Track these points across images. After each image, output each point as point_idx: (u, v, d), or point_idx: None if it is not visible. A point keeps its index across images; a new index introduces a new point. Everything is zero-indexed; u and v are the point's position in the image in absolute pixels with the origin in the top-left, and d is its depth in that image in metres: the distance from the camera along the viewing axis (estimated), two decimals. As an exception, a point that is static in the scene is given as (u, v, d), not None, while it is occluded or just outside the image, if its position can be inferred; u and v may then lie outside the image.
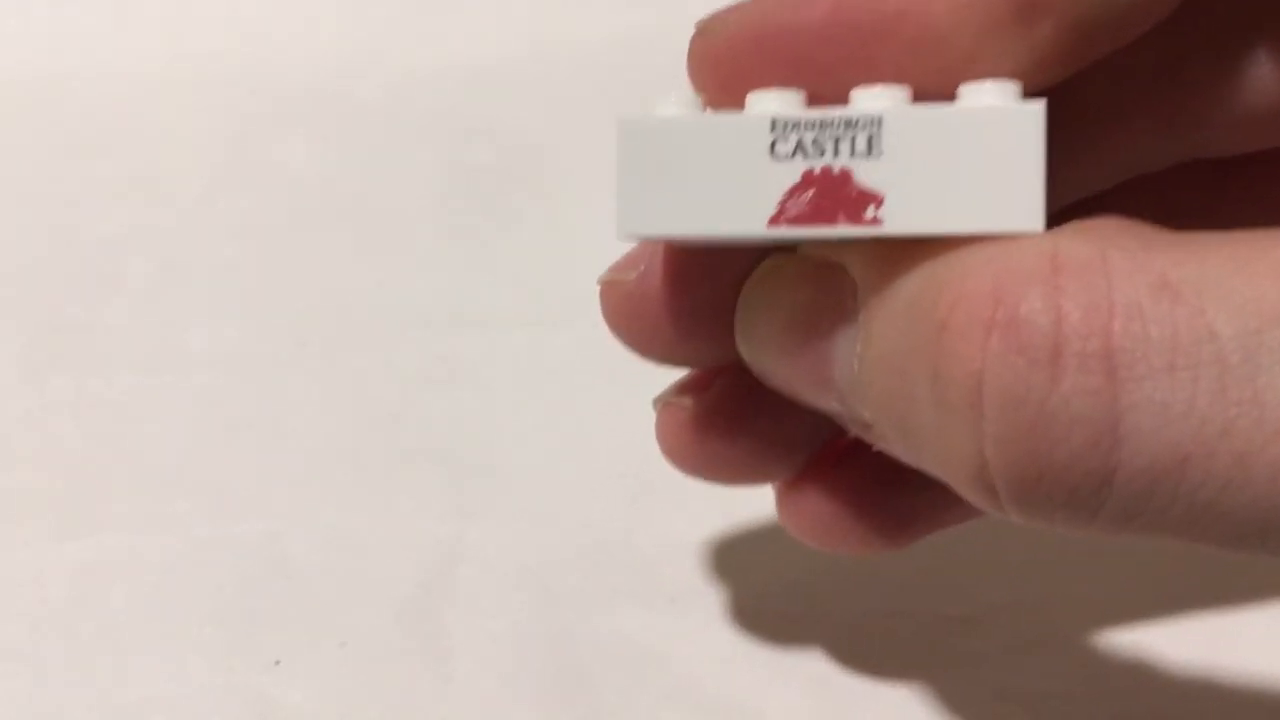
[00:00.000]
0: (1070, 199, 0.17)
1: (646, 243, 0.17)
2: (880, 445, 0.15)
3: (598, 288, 0.18)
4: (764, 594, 0.23)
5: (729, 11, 0.15)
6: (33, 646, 0.23)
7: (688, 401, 0.18)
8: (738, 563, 0.24)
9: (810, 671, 0.22)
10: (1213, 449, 0.11)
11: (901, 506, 0.19)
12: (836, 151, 0.13)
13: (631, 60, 0.33)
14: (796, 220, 0.14)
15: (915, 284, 0.13)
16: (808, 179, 0.13)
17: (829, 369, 0.15)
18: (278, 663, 0.22)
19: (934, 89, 0.14)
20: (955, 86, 0.13)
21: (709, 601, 0.23)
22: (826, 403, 0.16)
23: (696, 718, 0.22)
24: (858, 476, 0.19)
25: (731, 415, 0.18)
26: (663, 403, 0.19)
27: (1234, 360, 0.11)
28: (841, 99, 0.14)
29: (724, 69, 0.15)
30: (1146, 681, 0.22)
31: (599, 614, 0.23)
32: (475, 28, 0.35)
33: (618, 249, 0.30)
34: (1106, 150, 0.17)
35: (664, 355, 0.18)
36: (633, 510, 0.25)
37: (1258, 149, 0.16)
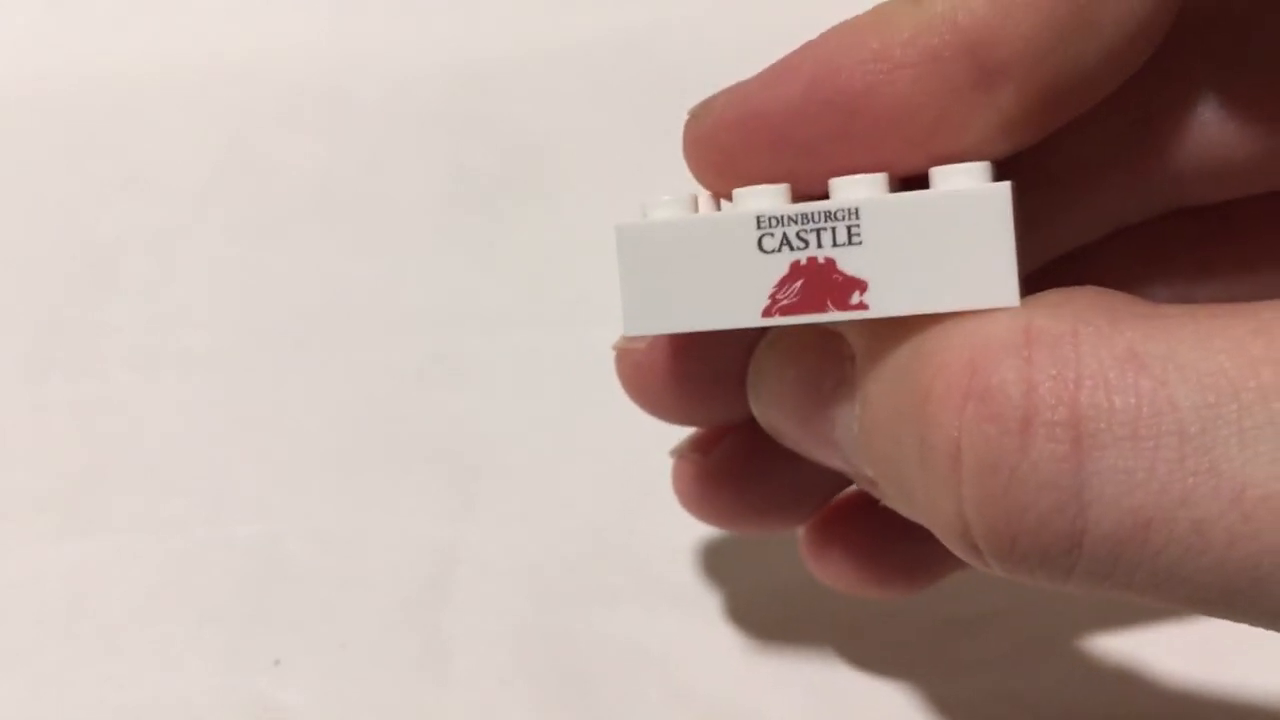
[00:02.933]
0: (1056, 253, 0.18)
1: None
2: (885, 501, 0.16)
3: (612, 351, 0.19)
4: (764, 595, 0.23)
5: (715, 96, 0.16)
6: (33, 646, 0.23)
7: (698, 456, 0.20)
8: (738, 563, 0.24)
9: (810, 673, 0.22)
10: (1172, 515, 0.12)
11: (919, 553, 0.19)
12: (820, 242, 0.14)
13: (631, 60, 0.33)
14: (788, 310, 0.14)
15: (904, 355, 0.14)
16: (795, 270, 0.14)
17: (832, 431, 0.16)
18: (278, 663, 0.22)
19: (909, 161, 0.14)
20: (929, 156, 0.14)
21: (709, 601, 0.23)
22: (833, 461, 0.17)
23: (696, 718, 0.22)
24: (874, 526, 0.19)
25: (740, 470, 0.19)
26: (677, 455, 0.20)
27: (1192, 431, 0.12)
28: (824, 179, 0.15)
29: (713, 153, 0.16)
30: (1146, 684, 0.22)
31: (599, 614, 0.23)
32: (475, 28, 0.35)
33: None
34: (1085, 206, 0.17)
35: (674, 417, 0.19)
36: (633, 510, 0.25)
37: (1236, 196, 0.17)
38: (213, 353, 0.28)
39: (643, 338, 0.18)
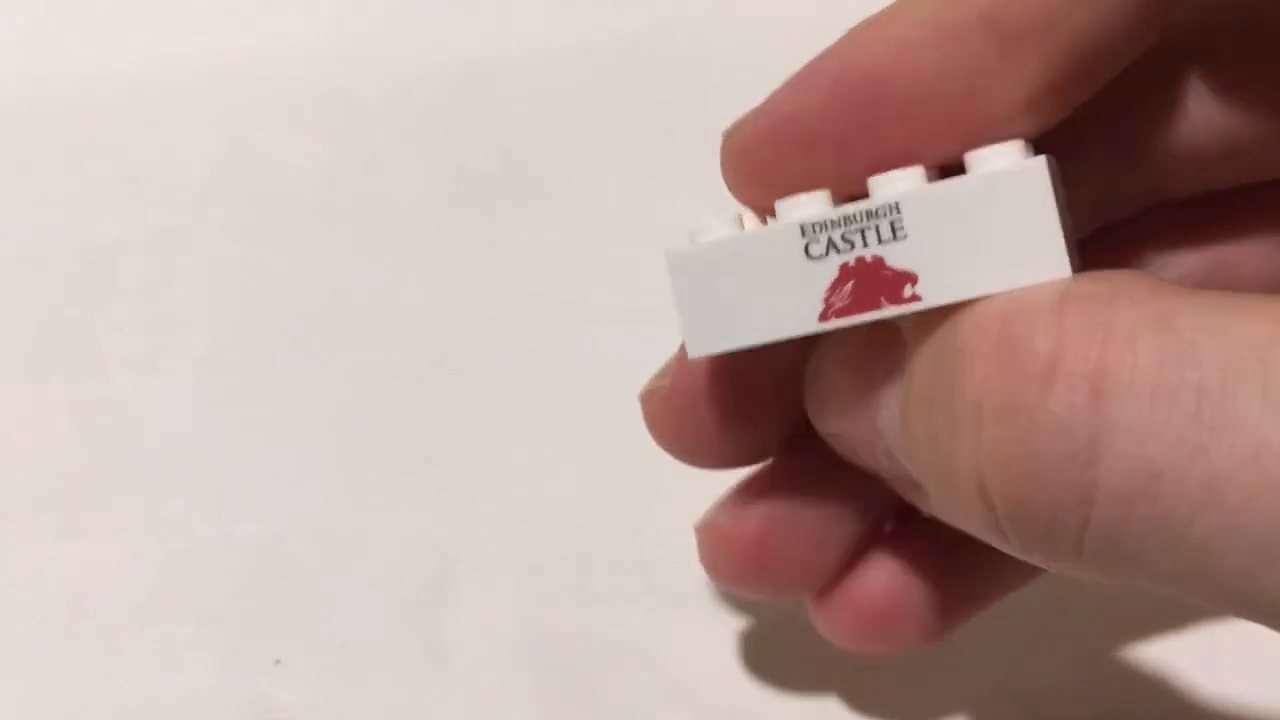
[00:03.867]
0: None
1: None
2: (925, 505, 0.16)
3: (639, 402, 0.19)
4: (764, 594, 0.23)
5: (746, 114, 0.16)
6: (33, 646, 0.23)
7: (725, 520, 0.19)
8: (738, 563, 0.24)
9: (809, 672, 0.22)
10: (1184, 470, 0.12)
11: (943, 594, 0.19)
12: (865, 242, 0.14)
13: (631, 60, 0.33)
14: (844, 311, 0.15)
15: (945, 329, 0.14)
16: (845, 272, 0.15)
17: (878, 418, 0.16)
18: (278, 663, 0.22)
19: (942, 148, 0.14)
20: (961, 139, 0.14)
21: (709, 601, 0.23)
22: (880, 459, 0.17)
23: (696, 718, 0.22)
24: (891, 570, 0.19)
25: (772, 532, 0.19)
26: (704, 526, 0.20)
27: (1212, 386, 0.12)
28: (862, 178, 0.15)
29: (750, 165, 0.16)
30: (1146, 681, 0.22)
31: (599, 614, 0.23)
32: (475, 28, 0.35)
33: (618, 249, 0.30)
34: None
35: (708, 455, 0.19)
36: (633, 510, 0.25)
37: (1218, 188, 0.17)
38: (213, 353, 0.28)
39: (666, 376, 0.19)
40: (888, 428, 0.16)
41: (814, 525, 0.19)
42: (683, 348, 0.18)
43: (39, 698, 0.22)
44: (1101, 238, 0.17)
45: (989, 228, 0.14)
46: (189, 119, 0.33)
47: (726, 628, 0.23)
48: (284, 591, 0.24)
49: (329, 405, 0.27)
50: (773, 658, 0.23)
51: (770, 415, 0.18)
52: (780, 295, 0.15)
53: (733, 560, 0.19)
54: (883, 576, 0.19)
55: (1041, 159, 0.14)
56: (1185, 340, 0.12)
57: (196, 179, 0.32)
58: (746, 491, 0.19)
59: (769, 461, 0.19)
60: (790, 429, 0.18)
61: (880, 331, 0.16)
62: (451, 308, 0.29)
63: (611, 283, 0.29)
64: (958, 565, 0.19)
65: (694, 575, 0.24)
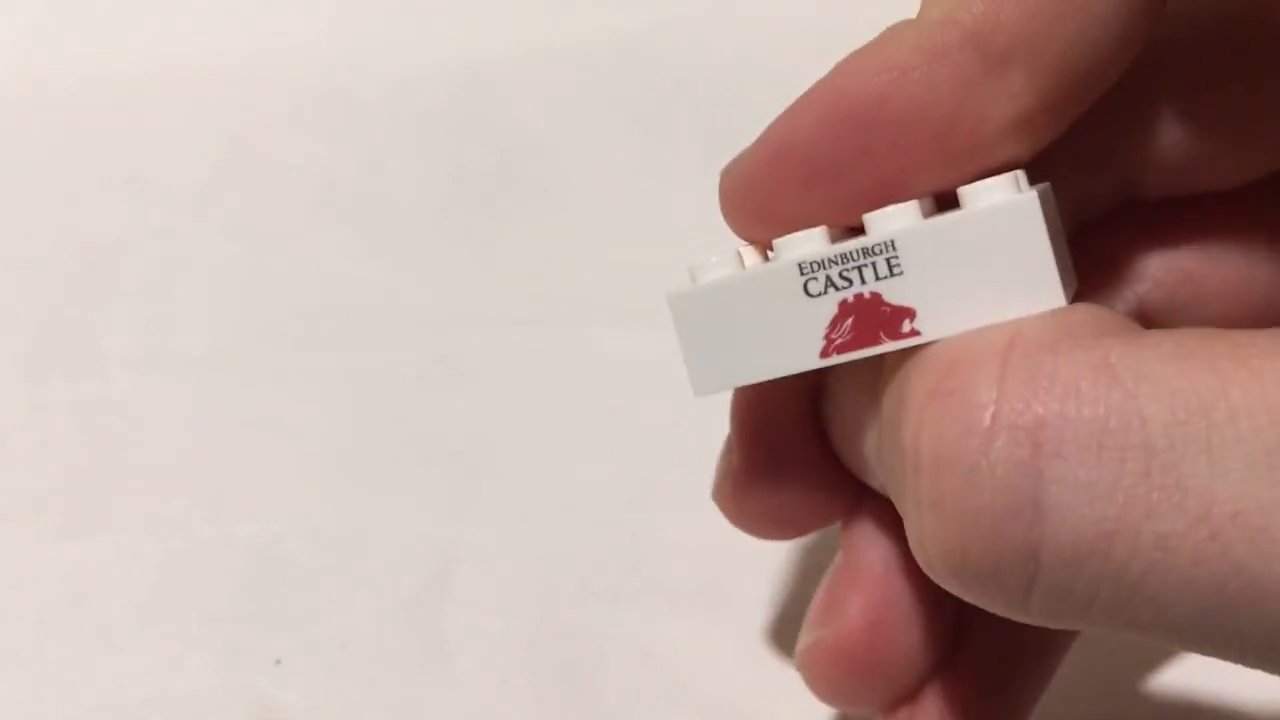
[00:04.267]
0: None
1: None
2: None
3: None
4: (764, 594, 0.23)
5: (742, 150, 0.16)
6: (33, 646, 0.23)
7: (827, 631, 0.19)
8: (738, 563, 0.24)
9: (810, 671, 0.22)
10: (1137, 529, 0.12)
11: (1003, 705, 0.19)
12: (863, 279, 0.14)
13: (631, 60, 0.33)
14: (845, 348, 0.15)
15: (905, 366, 0.14)
16: (844, 309, 0.15)
17: (866, 449, 0.16)
18: (278, 663, 0.22)
19: (936, 175, 0.14)
20: (954, 166, 0.14)
21: (709, 601, 0.23)
22: (873, 481, 0.17)
23: (696, 718, 0.22)
24: (961, 688, 0.19)
25: (877, 623, 0.18)
26: (806, 648, 0.19)
27: (1160, 445, 0.12)
28: (858, 212, 0.15)
29: (748, 202, 0.16)
30: (1146, 681, 0.22)
31: (599, 614, 0.23)
32: (475, 28, 0.35)
33: (618, 249, 0.30)
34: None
35: (775, 525, 0.19)
36: (633, 511, 0.25)
37: (1189, 193, 0.17)
38: (213, 353, 0.28)
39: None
40: (871, 454, 0.16)
41: (914, 602, 0.18)
42: (730, 434, 0.18)
43: (39, 698, 0.22)
44: (1079, 238, 0.17)
45: (984, 261, 0.14)
46: (189, 119, 0.33)
47: (726, 628, 0.23)
48: (284, 591, 0.24)
49: (329, 405, 0.27)
50: (773, 657, 0.23)
51: (826, 469, 0.18)
52: (781, 333, 0.15)
53: (847, 665, 0.18)
54: (951, 694, 0.18)
55: (1033, 193, 0.14)
56: (1129, 392, 0.12)
57: (196, 179, 0.32)
58: (832, 592, 0.19)
59: (838, 560, 0.19)
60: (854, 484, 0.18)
61: (873, 362, 0.16)
62: (451, 308, 0.29)
63: (611, 283, 0.29)
64: (1016, 677, 0.19)
65: (694, 575, 0.24)
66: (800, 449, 0.18)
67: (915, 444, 0.13)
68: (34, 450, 0.26)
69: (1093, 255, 0.17)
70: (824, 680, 0.19)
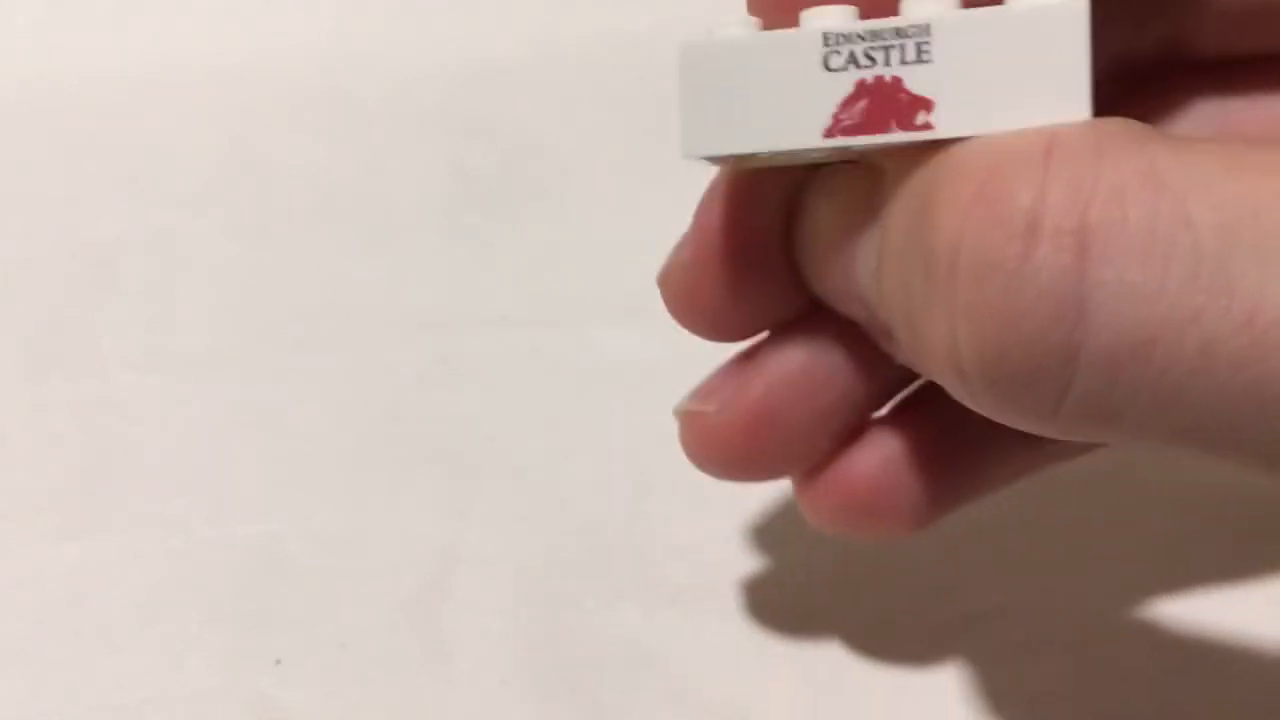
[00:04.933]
0: None
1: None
2: (897, 354, 0.15)
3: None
4: (764, 594, 0.23)
5: None
6: (33, 646, 0.23)
7: (713, 406, 0.18)
8: (738, 563, 0.24)
9: (810, 672, 0.22)
10: (1180, 334, 0.12)
11: (931, 479, 0.19)
12: (888, 61, 0.14)
13: (631, 60, 0.33)
14: (850, 130, 0.14)
15: (927, 173, 0.14)
16: (861, 89, 0.14)
17: (854, 264, 0.16)
18: (278, 663, 0.22)
19: None
20: None
21: (709, 601, 0.23)
22: (855, 306, 0.16)
23: (696, 718, 0.22)
24: (884, 452, 0.18)
25: (763, 420, 0.18)
26: (689, 412, 0.19)
27: (1208, 249, 0.11)
28: (893, 8, 0.14)
29: None
30: (1146, 681, 0.22)
31: (599, 614, 0.23)
32: (475, 28, 0.35)
33: (618, 248, 0.30)
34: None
35: (730, 328, 0.18)
36: (633, 510, 0.25)
37: (1238, 52, 0.16)
38: (213, 353, 0.28)
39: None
40: (864, 274, 0.15)
41: (805, 411, 0.18)
42: (693, 223, 0.18)
43: (39, 698, 0.22)
44: (1116, 92, 0.17)
45: (1018, 62, 0.13)
46: (189, 119, 0.33)
47: (726, 628, 0.23)
48: (284, 591, 0.24)
49: (329, 405, 0.27)
50: (772, 658, 0.23)
51: (785, 282, 0.18)
52: (789, 104, 0.14)
53: (722, 450, 0.18)
54: (869, 460, 0.18)
55: (1084, 1, 0.13)
56: (1177, 196, 0.12)
57: (196, 179, 0.32)
58: (735, 371, 0.19)
59: (760, 338, 0.19)
60: (803, 298, 0.18)
61: (866, 174, 0.15)
62: (451, 308, 0.29)
63: (611, 283, 0.29)
64: (948, 453, 0.18)
65: (694, 574, 0.24)
66: (760, 260, 0.17)
67: (953, 251, 0.12)
68: (34, 450, 0.26)
69: (1131, 103, 0.16)
70: (696, 452, 0.19)
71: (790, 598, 0.23)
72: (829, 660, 0.22)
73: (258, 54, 0.34)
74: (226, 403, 0.27)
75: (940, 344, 0.13)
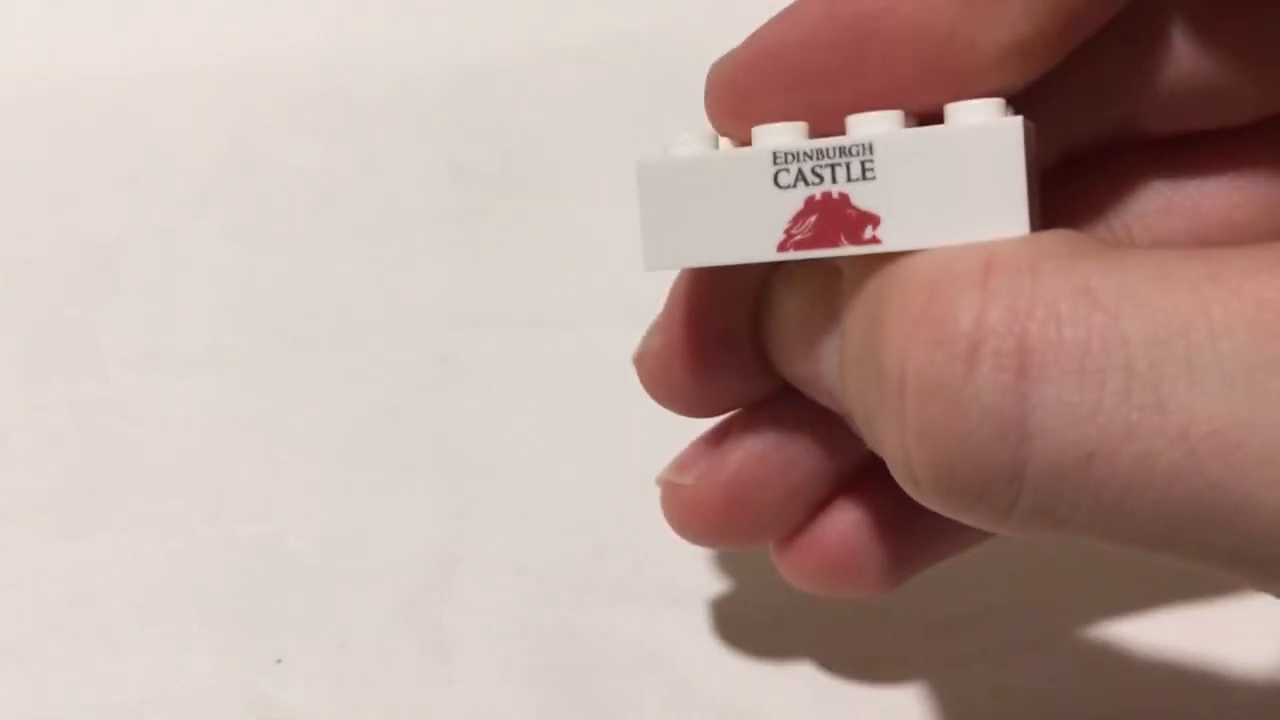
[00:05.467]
0: None
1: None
2: (871, 445, 0.16)
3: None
4: (763, 594, 0.23)
5: (736, 47, 0.16)
6: (33, 646, 0.23)
7: (692, 479, 0.19)
8: (738, 563, 0.24)
9: (809, 671, 0.22)
10: (1116, 449, 0.12)
11: (900, 544, 0.19)
12: (834, 178, 0.14)
13: (631, 60, 0.33)
14: (802, 245, 0.15)
15: (875, 284, 0.14)
16: (810, 205, 0.15)
17: (819, 364, 0.16)
18: (278, 662, 0.22)
19: (924, 93, 0.14)
20: (944, 86, 0.14)
21: (709, 601, 0.23)
22: (824, 397, 0.17)
23: (696, 718, 0.22)
24: (853, 518, 0.19)
25: (740, 492, 0.19)
26: (669, 484, 0.20)
27: (1141, 367, 0.12)
28: (840, 116, 0.15)
29: (732, 94, 0.16)
30: (1143, 681, 0.22)
31: (599, 613, 0.23)
32: (475, 28, 0.35)
33: (617, 249, 0.30)
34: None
35: (704, 406, 0.19)
36: (633, 510, 0.25)
37: (1185, 130, 0.17)
38: (213, 353, 0.28)
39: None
40: (828, 369, 0.16)
41: (777, 486, 0.19)
42: (664, 310, 0.18)
43: (39, 697, 0.22)
44: (1071, 169, 0.17)
45: (957, 179, 0.14)
46: (189, 119, 0.33)
47: (726, 628, 0.23)
48: (285, 591, 0.24)
49: (329, 405, 0.27)
50: (772, 657, 0.23)
51: (755, 367, 0.18)
52: (743, 220, 0.15)
53: (703, 520, 0.19)
54: (839, 527, 0.19)
55: (1018, 119, 0.14)
56: (1110, 313, 0.12)
57: (196, 179, 0.32)
58: (711, 446, 0.19)
59: (736, 412, 0.19)
60: (774, 380, 0.18)
61: (827, 276, 0.16)
62: (451, 308, 0.29)
63: (611, 283, 0.29)
64: (915, 518, 0.19)
65: (694, 575, 0.24)
66: (728, 346, 0.18)
67: (900, 371, 0.13)
68: (34, 450, 0.26)
69: (1084, 182, 0.17)
70: (676, 522, 0.20)
71: (790, 598, 0.23)
72: (829, 660, 0.22)
73: (258, 54, 0.34)
74: (226, 403, 0.27)
75: (895, 453, 0.14)
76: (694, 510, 0.19)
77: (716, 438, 0.19)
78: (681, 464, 0.20)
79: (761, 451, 0.19)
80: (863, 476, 0.19)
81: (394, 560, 0.24)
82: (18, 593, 0.24)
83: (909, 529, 0.19)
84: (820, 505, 0.19)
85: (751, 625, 0.23)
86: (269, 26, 0.34)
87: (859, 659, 0.22)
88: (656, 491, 0.20)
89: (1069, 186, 0.17)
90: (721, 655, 0.23)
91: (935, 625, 0.23)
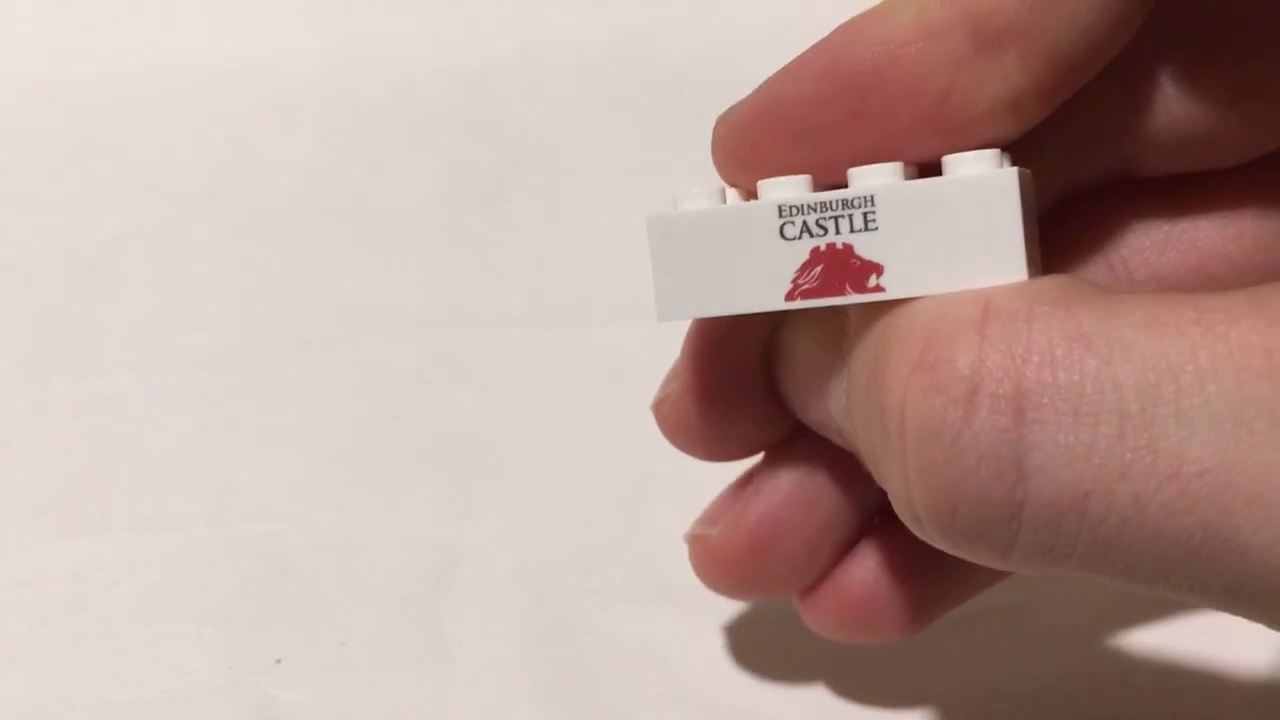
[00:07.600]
0: None
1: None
2: (879, 483, 0.16)
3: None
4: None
5: (739, 101, 0.16)
6: (33, 646, 0.23)
7: (717, 532, 0.20)
8: (737, 563, 0.24)
9: (809, 671, 0.22)
10: (1111, 488, 0.12)
11: (923, 588, 0.20)
12: (838, 229, 0.15)
13: (631, 60, 0.33)
14: (809, 294, 0.15)
15: (878, 329, 0.15)
16: (815, 256, 0.15)
17: (828, 403, 0.17)
18: (279, 662, 0.22)
19: (923, 145, 0.15)
20: (941, 138, 0.15)
21: (709, 601, 0.23)
22: (835, 435, 0.17)
23: (696, 718, 0.22)
24: (874, 565, 0.20)
25: (764, 543, 0.19)
26: (696, 538, 0.20)
27: (1133, 409, 0.12)
28: (843, 168, 0.15)
29: (739, 148, 0.16)
30: (1144, 680, 0.22)
31: (599, 614, 0.23)
32: (475, 28, 0.35)
33: (617, 249, 0.30)
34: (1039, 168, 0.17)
35: (725, 450, 0.19)
36: (633, 510, 0.25)
37: (1179, 171, 0.17)
38: (213, 352, 0.28)
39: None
40: (836, 410, 0.17)
41: (800, 531, 0.19)
42: (680, 357, 0.19)
43: (40, 697, 0.22)
44: (1069, 207, 0.18)
45: (956, 229, 0.14)
46: (190, 120, 0.33)
47: (726, 628, 0.23)
48: (285, 591, 0.24)
49: (330, 404, 0.27)
50: (772, 657, 0.23)
51: (771, 410, 0.19)
52: (752, 271, 0.16)
53: (729, 569, 0.20)
54: (864, 573, 0.19)
55: (1013, 171, 0.14)
56: (1103, 358, 0.12)
57: (197, 179, 0.32)
58: (734, 497, 0.20)
59: (758, 461, 0.20)
60: (791, 422, 0.19)
61: (833, 319, 0.16)
62: (451, 308, 0.29)
63: (611, 283, 0.29)
64: (935, 563, 0.19)
65: (694, 575, 0.24)
66: (744, 390, 0.19)
67: (900, 414, 0.14)
68: (35, 450, 0.26)
69: (1081, 220, 0.18)
70: (703, 573, 0.20)
71: (790, 598, 0.23)
72: (829, 660, 0.22)
73: (259, 55, 0.34)
74: (228, 402, 0.27)
75: (898, 493, 0.14)
76: (719, 559, 0.20)
77: (741, 486, 0.20)
78: (708, 517, 0.20)
79: (783, 496, 0.19)
80: (885, 517, 0.20)
81: (394, 560, 0.24)
82: (18, 593, 0.24)
83: (931, 572, 0.19)
84: (843, 549, 0.20)
85: (750, 625, 0.23)
86: (271, 28, 0.35)
87: (858, 659, 0.22)
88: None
89: (1067, 224, 0.17)
90: (721, 655, 0.23)
91: (935, 625, 0.23)
